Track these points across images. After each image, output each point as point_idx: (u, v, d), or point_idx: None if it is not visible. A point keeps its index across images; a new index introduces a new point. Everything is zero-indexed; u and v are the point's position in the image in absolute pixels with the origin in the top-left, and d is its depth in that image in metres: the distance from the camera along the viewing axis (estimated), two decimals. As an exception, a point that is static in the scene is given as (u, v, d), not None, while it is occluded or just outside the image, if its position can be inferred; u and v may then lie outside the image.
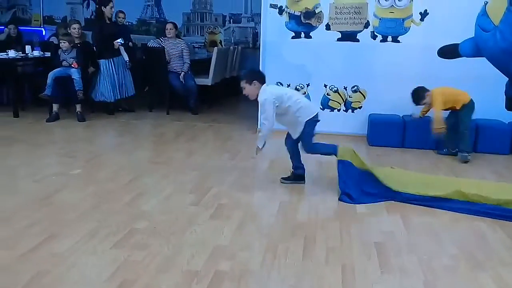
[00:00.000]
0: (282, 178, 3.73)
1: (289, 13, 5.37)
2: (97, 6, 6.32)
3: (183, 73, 6.71)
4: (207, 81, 7.10)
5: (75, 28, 6.37)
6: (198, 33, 9.69)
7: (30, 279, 2.13)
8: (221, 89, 7.70)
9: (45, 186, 3.46)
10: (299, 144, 3.64)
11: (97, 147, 4.90)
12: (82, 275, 2.19)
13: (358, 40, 5.31)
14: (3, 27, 7.84)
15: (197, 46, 9.57)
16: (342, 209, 3.20)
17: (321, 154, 3.66)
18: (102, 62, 6.22)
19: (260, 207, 3.31)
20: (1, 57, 6.21)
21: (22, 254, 2.35)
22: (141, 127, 5.94)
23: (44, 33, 9.43)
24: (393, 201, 3.32)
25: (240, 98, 8.60)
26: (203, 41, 9.69)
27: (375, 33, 5.28)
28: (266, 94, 3.38)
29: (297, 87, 5.50)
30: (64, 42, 5.89)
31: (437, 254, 2.56)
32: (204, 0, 9.54)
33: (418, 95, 4.58)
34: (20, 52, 6.59)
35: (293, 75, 5.48)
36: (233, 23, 9.56)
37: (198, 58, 8.38)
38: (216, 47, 7.66)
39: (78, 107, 5.97)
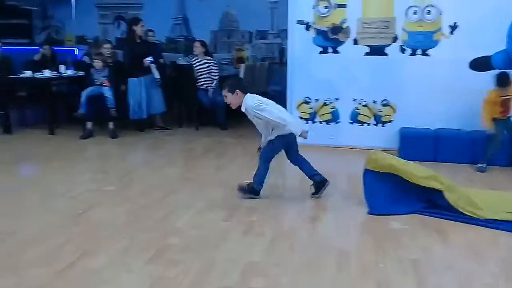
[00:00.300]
0: (312, 194, 3.70)
1: (316, 28, 5.39)
2: (128, 26, 6.47)
3: (211, 89, 6.79)
4: (235, 97, 7.15)
5: (106, 48, 6.57)
6: (225, 50, 9.80)
7: (67, 295, 2.17)
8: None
9: (80, 203, 3.53)
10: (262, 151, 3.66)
11: (129, 164, 4.99)
12: (117, 292, 2.22)
13: (386, 54, 5.28)
14: (38, 48, 8.11)
15: (224, 63, 9.66)
16: (374, 223, 3.15)
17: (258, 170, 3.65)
18: (132, 80, 6.34)
19: (292, 223, 3.29)
20: (37, 76, 6.42)
21: (59, 271, 2.40)
22: (172, 143, 6.02)
23: (77, 53, 9.72)
24: (427, 215, 3.24)
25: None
26: (231, 57, 9.80)
27: (403, 46, 5.24)
28: (254, 99, 3.48)
29: (326, 101, 5.49)
30: (97, 62, 6.06)
31: (477, 272, 2.48)
32: (231, 17, 9.67)
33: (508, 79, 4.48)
34: (55, 72, 6.81)
35: (321, 90, 5.48)
36: (259, 39, 9.64)
37: (225, 75, 8.48)
38: (243, 64, 7.74)
39: (111, 124, 6.10)
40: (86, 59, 7.90)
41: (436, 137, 4.97)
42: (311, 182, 3.67)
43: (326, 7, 5.34)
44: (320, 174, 3.66)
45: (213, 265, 2.50)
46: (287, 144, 3.61)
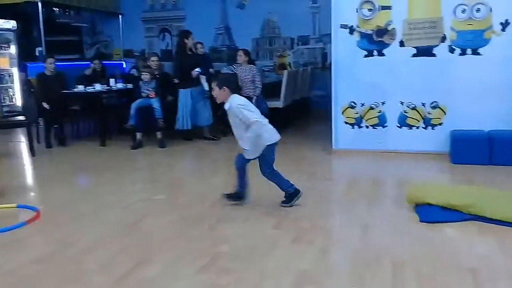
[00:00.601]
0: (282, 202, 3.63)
1: (360, 32, 5.32)
2: (180, 38, 6.60)
3: (255, 97, 6.83)
4: (278, 103, 7.18)
5: (153, 60, 6.76)
6: (267, 57, 9.86)
7: (125, 302, 2.24)
8: (292, 110, 7.74)
9: (132, 212, 3.64)
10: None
11: (177, 173, 5.10)
12: (172, 300, 2.27)
13: (434, 55, 5.13)
14: (89, 63, 8.47)
15: (266, 70, 9.72)
16: (428, 231, 3.05)
17: (276, 183, 3.62)
18: (182, 91, 6.47)
19: (342, 231, 3.24)
20: (89, 90, 6.70)
21: (117, 280, 2.48)
22: (217, 151, 6.10)
23: (124, 66, 10.08)
24: (483, 222, 3.11)
25: (311, 119, 8.64)
26: (272, 64, 9.84)
27: (452, 46, 5.08)
28: (240, 100, 3.47)
29: (372, 105, 5.40)
30: (145, 74, 6.25)
31: (542, 282, 2.35)
32: (272, 24, 9.72)
33: None
34: (105, 85, 7.08)
35: (367, 93, 5.39)
36: (301, 45, 9.63)
37: (268, 82, 8.52)
38: (286, 70, 7.74)
39: (159, 134, 6.27)
40: (134, 72, 8.16)
41: (490, 139, 4.77)
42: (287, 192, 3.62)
43: (370, 9, 5.26)
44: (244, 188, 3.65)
45: (265, 273, 2.51)
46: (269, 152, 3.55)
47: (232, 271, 2.54)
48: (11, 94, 9.23)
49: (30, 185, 4.71)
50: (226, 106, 3.48)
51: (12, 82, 9.21)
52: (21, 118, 6.90)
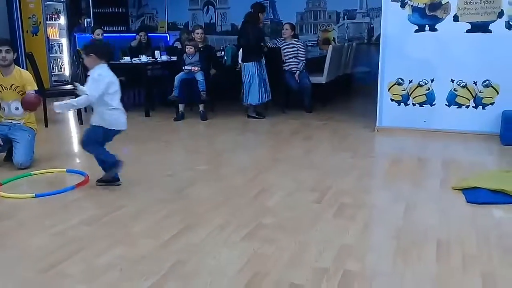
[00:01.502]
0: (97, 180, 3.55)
1: (412, 5, 5.12)
2: (254, 12, 6.33)
3: (298, 72, 6.76)
4: (321, 79, 7.08)
5: (198, 33, 6.77)
6: (311, 32, 9.69)
7: (170, 266, 2.31)
8: (335, 86, 7.62)
9: (177, 181, 3.73)
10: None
11: (219, 145, 5.15)
12: (216, 266, 2.32)
13: (490, 31, 4.88)
14: (133, 35, 8.59)
15: (310, 44, 9.57)
16: (475, 212, 2.97)
17: (96, 157, 3.51)
18: (248, 65, 6.25)
19: (385, 208, 3.20)
20: (135, 62, 6.82)
21: (163, 243, 2.56)
22: (259, 125, 6.11)
23: (168, 39, 10.17)
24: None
25: (354, 96, 8.49)
26: (316, 39, 9.67)
27: (510, 22, 4.81)
28: (105, 71, 3.33)
29: (420, 82, 5.22)
30: (190, 48, 6.28)
31: None
32: (318, -2, 9.51)
33: None
34: (150, 57, 7.18)
35: (416, 70, 5.21)
36: (347, 19, 9.39)
37: (311, 57, 8.40)
38: (331, 45, 7.59)
39: (201, 107, 6.33)
40: (177, 44, 8.22)
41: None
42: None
43: (423, -18, 5.04)
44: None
45: (307, 245, 2.52)
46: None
47: (276, 241, 2.56)
48: (60, 64, 9.57)
49: (77, 152, 4.88)
50: (95, 74, 3.32)
51: (61, 52, 9.54)
52: (69, 87, 7.15)
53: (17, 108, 4.10)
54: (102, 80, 3.30)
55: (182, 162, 4.37)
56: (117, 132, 3.51)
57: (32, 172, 3.88)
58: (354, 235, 2.65)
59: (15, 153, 4.01)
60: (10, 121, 4.13)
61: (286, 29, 6.89)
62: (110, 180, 3.55)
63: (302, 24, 9.68)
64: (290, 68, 6.82)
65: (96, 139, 3.47)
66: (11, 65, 4.05)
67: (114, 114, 3.43)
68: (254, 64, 6.23)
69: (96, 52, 3.38)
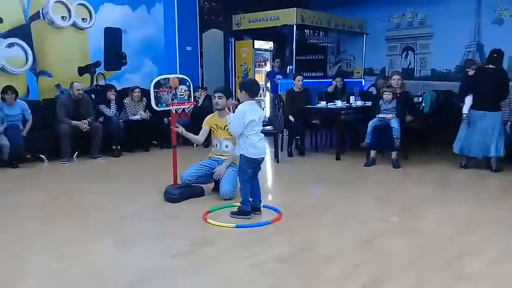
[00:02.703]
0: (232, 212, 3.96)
1: None
2: (495, 55, 5.70)
3: (509, 122, 6.00)
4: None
5: (395, 79, 6.62)
6: (526, 77, 8.59)
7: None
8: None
9: (367, 229, 3.64)
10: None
11: (413, 196, 4.84)
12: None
13: None
14: (330, 80, 8.92)
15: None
16: None
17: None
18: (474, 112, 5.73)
19: None
20: (330, 106, 7.04)
21: (351, 292, 2.51)
22: (459, 178, 5.59)
23: (363, 84, 10.26)
24: None
25: None
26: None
27: None
28: (244, 107, 3.82)
29: None
30: (387, 94, 6.20)
31: None
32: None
33: None
34: (345, 102, 7.32)
35: None
36: None
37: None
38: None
39: (394, 154, 6.13)
40: (372, 89, 8.23)
41: None
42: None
43: None
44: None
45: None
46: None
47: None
48: (263, 106, 10.48)
49: (272, 188, 5.21)
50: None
51: (264, 95, 10.47)
52: (269, 127, 7.75)
53: (227, 146, 4.63)
54: (247, 115, 3.82)
55: (372, 210, 4.27)
56: (255, 160, 3.93)
57: (233, 203, 4.27)
58: None
59: (222, 186, 4.50)
60: (219, 157, 4.67)
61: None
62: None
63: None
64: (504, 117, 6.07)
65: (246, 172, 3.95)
66: (224, 109, 4.62)
67: (253, 142, 3.86)
68: (479, 113, 5.68)
69: (245, 89, 3.85)
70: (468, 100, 5.77)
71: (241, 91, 3.87)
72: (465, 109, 5.78)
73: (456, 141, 5.92)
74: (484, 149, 5.70)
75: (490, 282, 2.67)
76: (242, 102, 3.88)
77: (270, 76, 9.81)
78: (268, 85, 9.68)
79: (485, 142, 5.67)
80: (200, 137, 4.71)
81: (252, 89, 3.87)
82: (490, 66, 5.71)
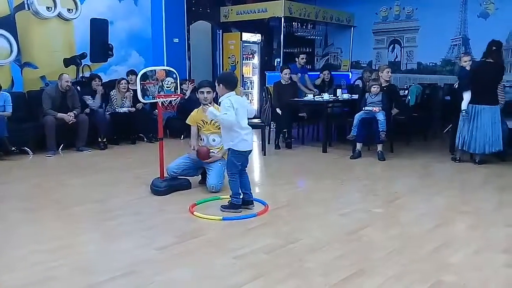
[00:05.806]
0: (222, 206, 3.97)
1: None
2: (496, 49, 5.61)
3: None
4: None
5: (387, 72, 6.62)
6: (510, 71, 8.72)
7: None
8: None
9: (352, 221, 3.69)
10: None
11: (397, 188, 4.92)
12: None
13: None
14: (317, 73, 8.95)
15: (508, 85, 8.59)
16: None
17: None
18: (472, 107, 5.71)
19: None
20: (317, 99, 7.07)
21: (335, 283, 2.56)
22: (442, 170, 5.68)
23: (350, 77, 10.32)
24: None
25: None
26: (516, 80, 8.63)
27: None
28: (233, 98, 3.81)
29: None
30: (375, 87, 6.25)
31: None
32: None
33: None
34: (332, 95, 7.37)
35: None
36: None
37: (508, 99, 7.49)
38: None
39: (379, 147, 6.20)
40: (359, 82, 8.28)
41: None
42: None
43: None
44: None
45: (497, 315, 2.22)
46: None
47: (457, 303, 2.33)
48: (250, 98, 10.48)
49: (258, 180, 5.24)
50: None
51: (252, 88, 10.48)
52: (257, 120, 7.76)
53: (214, 140, 4.63)
54: (233, 104, 3.81)
55: (356, 202, 4.32)
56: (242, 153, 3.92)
57: (220, 196, 4.29)
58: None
59: (208, 178, 4.51)
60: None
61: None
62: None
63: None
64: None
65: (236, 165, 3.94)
66: (211, 103, 4.60)
67: (242, 135, 3.87)
68: (475, 107, 5.70)
69: (224, 82, 3.86)
70: (466, 95, 5.72)
71: (218, 85, 3.88)
72: (464, 105, 5.73)
73: (457, 137, 5.87)
74: (483, 145, 5.69)
75: (472, 272, 2.72)
76: (222, 95, 3.86)
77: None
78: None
79: (484, 138, 5.67)
80: (196, 141, 4.71)
81: (229, 82, 3.87)
82: (490, 60, 5.65)
